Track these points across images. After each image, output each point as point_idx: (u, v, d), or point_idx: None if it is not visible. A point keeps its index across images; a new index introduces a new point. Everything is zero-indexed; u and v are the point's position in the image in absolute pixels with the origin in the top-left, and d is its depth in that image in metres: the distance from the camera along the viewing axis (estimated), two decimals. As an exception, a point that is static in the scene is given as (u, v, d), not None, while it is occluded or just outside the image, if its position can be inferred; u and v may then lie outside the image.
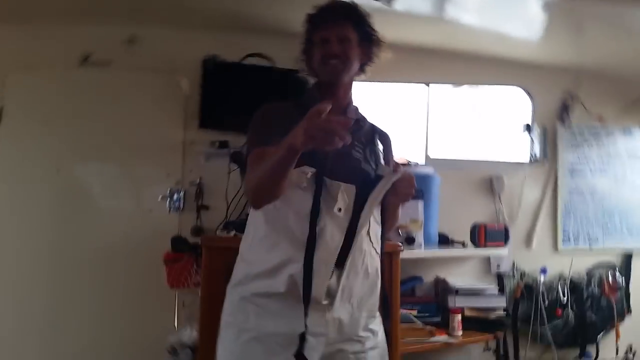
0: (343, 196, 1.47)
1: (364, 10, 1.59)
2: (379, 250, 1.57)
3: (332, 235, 1.44)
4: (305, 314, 1.38)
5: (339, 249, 1.44)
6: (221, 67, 2.87)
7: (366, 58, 1.63)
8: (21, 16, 2.74)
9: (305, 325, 1.38)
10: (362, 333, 1.52)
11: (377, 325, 1.58)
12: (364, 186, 1.50)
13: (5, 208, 2.80)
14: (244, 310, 1.48)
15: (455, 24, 2.78)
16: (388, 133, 1.72)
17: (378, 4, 2.20)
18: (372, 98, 3.08)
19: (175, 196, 2.87)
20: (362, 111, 1.67)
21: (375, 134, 1.63)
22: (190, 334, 2.23)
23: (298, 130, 1.21)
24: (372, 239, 1.53)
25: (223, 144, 2.83)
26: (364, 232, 1.49)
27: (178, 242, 2.56)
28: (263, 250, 1.48)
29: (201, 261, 2.09)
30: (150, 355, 2.42)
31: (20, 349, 2.71)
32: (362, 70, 1.64)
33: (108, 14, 2.75)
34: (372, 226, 1.52)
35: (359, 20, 1.57)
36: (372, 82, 3.10)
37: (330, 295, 1.43)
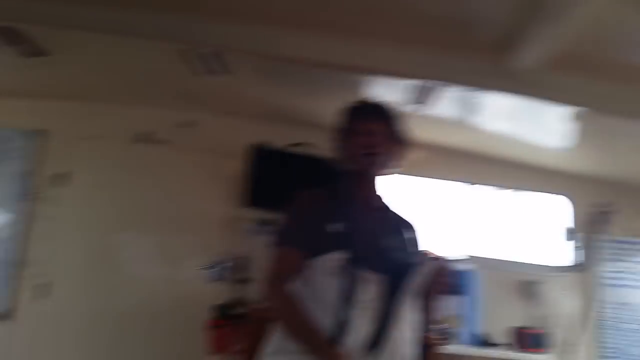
0: (372, 286, 1.45)
1: (397, 111, 1.67)
2: (416, 339, 1.52)
3: (359, 327, 1.40)
4: None
5: (367, 340, 1.41)
6: (268, 152, 3.15)
7: (397, 156, 1.67)
8: (92, 95, 3.17)
9: None
10: None
11: None
12: (396, 275, 1.47)
13: (64, 262, 3.06)
14: None
15: (487, 130, 2.93)
16: (412, 223, 1.72)
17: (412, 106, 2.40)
18: (419, 194, 3.24)
19: (217, 267, 3.05)
20: (387, 201, 1.70)
21: (400, 222, 1.65)
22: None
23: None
24: (409, 327, 1.49)
25: (266, 222, 3.04)
26: (401, 322, 1.46)
27: (224, 309, 2.72)
28: None
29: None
30: None
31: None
32: (391, 166, 1.68)
33: (169, 97, 3.12)
34: (409, 315, 1.49)
35: (394, 120, 1.65)
36: (418, 178, 3.31)
37: None
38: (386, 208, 1.66)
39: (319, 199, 1.59)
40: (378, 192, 1.67)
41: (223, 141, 3.19)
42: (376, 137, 1.59)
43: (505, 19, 1.80)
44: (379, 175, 1.64)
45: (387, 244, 1.54)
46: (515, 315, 3.10)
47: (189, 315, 2.83)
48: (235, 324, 2.64)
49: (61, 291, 3.02)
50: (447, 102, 2.50)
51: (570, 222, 3.35)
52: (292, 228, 1.55)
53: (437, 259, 1.53)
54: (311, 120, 2.93)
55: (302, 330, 1.41)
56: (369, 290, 1.42)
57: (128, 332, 2.95)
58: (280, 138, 3.18)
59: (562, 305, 3.18)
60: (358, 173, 1.62)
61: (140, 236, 3.15)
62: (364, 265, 1.43)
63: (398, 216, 1.69)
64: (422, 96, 2.36)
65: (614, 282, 3.24)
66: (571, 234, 3.31)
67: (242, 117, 3.15)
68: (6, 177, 3.18)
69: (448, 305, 2.63)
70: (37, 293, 3.00)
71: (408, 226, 1.69)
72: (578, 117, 2.47)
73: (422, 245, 1.68)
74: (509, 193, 3.47)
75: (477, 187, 3.39)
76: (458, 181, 3.40)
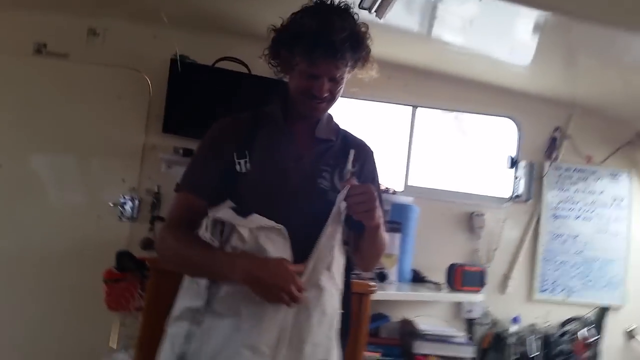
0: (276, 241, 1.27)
1: (364, 29, 1.36)
2: (340, 287, 1.36)
3: None
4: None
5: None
6: (191, 69, 2.68)
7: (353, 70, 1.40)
8: None
9: None
10: None
11: None
12: (310, 224, 1.28)
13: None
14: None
15: (445, 44, 2.67)
16: (367, 145, 1.52)
17: (369, 15, 2.02)
18: (353, 115, 2.96)
19: (128, 204, 2.64)
20: (336, 122, 1.48)
21: (350, 149, 1.39)
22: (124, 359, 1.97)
23: (243, 266, 1.17)
24: (333, 274, 1.32)
25: (187, 152, 2.59)
26: (320, 266, 1.28)
27: (124, 259, 2.27)
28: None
29: (146, 284, 1.84)
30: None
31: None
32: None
33: (68, 3, 2.60)
34: (335, 259, 1.32)
35: (358, 47, 1.34)
36: (355, 99, 3.00)
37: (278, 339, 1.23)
38: (329, 139, 1.43)
39: (234, 127, 1.39)
40: (319, 120, 1.43)
41: (135, 54, 2.71)
42: (327, 83, 1.31)
43: None
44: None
45: (323, 184, 1.36)
46: (453, 251, 3.00)
47: (94, 259, 2.38)
48: (134, 277, 2.26)
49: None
50: (401, 10, 2.16)
51: (515, 148, 3.20)
52: (193, 168, 1.38)
53: (351, 180, 1.29)
54: (245, 30, 2.51)
55: (195, 258, 1.25)
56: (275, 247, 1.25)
57: (21, 279, 2.58)
58: (205, 51, 2.70)
59: (502, 238, 3.10)
60: (302, 114, 1.39)
61: (34, 168, 2.66)
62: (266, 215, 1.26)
63: (348, 140, 1.47)
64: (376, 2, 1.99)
65: (555, 213, 3.17)
66: (515, 160, 3.16)
67: (160, 25, 2.61)
68: None
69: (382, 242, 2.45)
70: None
71: (360, 149, 1.45)
72: (543, 26, 2.23)
73: (376, 170, 1.52)
74: (452, 115, 3.28)
75: (419, 109, 3.14)
76: (400, 103, 3.13)
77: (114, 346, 2.37)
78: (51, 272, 2.55)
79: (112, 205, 2.63)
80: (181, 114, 2.66)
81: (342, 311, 1.38)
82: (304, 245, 1.26)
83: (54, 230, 2.61)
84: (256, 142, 1.36)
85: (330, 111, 1.45)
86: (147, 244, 2.51)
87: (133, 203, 2.65)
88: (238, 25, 2.63)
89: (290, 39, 1.32)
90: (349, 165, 1.33)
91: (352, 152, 1.35)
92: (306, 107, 1.36)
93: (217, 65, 2.70)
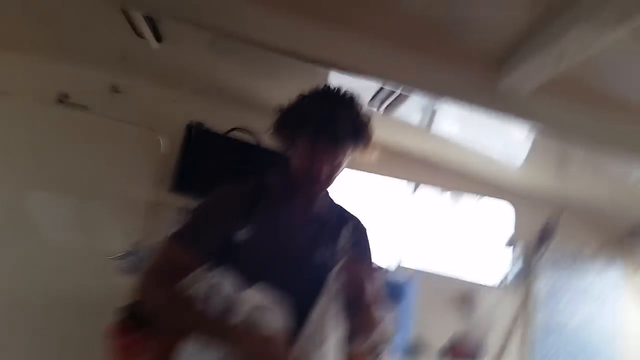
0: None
1: (367, 119, 1.45)
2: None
3: None
4: None
5: None
6: (205, 135, 2.80)
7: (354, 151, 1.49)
8: (13, 44, 2.67)
9: None
10: None
11: None
12: (305, 293, 1.33)
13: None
14: None
15: (443, 138, 2.79)
16: (361, 223, 1.56)
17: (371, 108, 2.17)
18: (351, 186, 3.02)
19: (131, 257, 2.67)
20: (332, 199, 1.55)
21: (343, 227, 1.45)
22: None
23: (240, 339, 1.21)
24: (326, 352, 1.33)
25: (194, 210, 2.69)
26: (312, 343, 1.30)
27: (134, 311, 2.30)
28: None
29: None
30: None
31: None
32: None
33: (93, 58, 2.72)
34: (327, 337, 1.33)
35: (360, 136, 1.44)
36: (356, 171, 3.09)
37: None
38: (324, 214, 1.48)
39: (236, 197, 1.42)
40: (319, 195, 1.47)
41: (154, 115, 2.82)
42: (328, 166, 1.39)
43: (505, 34, 1.60)
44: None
45: (301, 259, 1.40)
46: (448, 327, 3.05)
47: (91, 315, 2.39)
48: (144, 330, 2.29)
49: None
50: (411, 107, 2.31)
51: (511, 232, 3.32)
52: (190, 226, 1.42)
53: (355, 263, 1.35)
54: (257, 104, 2.64)
55: (189, 318, 1.28)
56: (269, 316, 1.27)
57: (15, 332, 2.53)
58: (219, 119, 2.83)
59: (496, 318, 3.15)
60: (299, 188, 1.44)
61: (44, 214, 2.69)
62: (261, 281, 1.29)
63: (343, 217, 1.51)
64: (388, 99, 2.13)
65: (547, 300, 3.27)
66: (511, 244, 3.27)
67: (180, 91, 2.77)
68: None
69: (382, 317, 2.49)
70: None
71: (355, 228, 1.49)
72: (537, 137, 2.37)
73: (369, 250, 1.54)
74: (450, 198, 3.38)
75: (419, 190, 3.27)
76: (400, 179, 3.25)
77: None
78: (48, 325, 2.56)
79: (115, 257, 2.66)
80: (190, 176, 2.76)
81: None
82: (299, 317, 1.30)
83: (57, 276, 2.63)
84: (256, 214, 1.41)
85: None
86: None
87: (136, 257, 2.69)
88: (253, 98, 2.76)
89: (295, 121, 1.41)
90: (342, 242, 1.39)
91: (345, 229, 1.42)
92: (304, 185, 1.43)
93: (230, 134, 2.83)
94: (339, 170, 1.44)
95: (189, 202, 2.66)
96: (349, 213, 1.57)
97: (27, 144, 2.71)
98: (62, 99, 2.82)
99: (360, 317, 1.39)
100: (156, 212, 2.76)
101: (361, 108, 1.46)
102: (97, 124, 2.79)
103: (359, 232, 1.54)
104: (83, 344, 2.41)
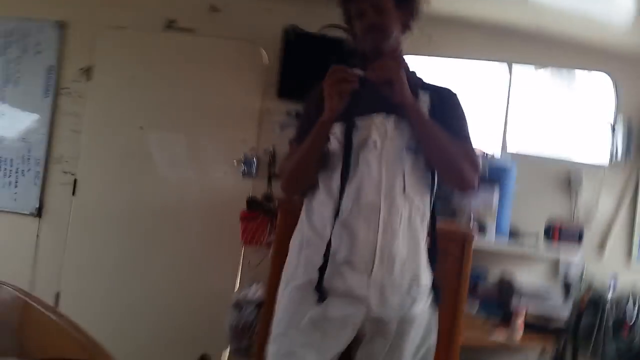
0: (377, 128, 1.47)
1: None
2: (422, 211, 1.50)
3: (368, 176, 1.44)
4: (339, 272, 1.42)
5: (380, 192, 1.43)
6: (301, 37, 2.90)
7: (407, 18, 1.58)
8: None
9: (345, 283, 1.42)
10: (405, 299, 1.47)
11: (423, 296, 1.52)
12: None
13: (91, 159, 2.98)
14: (294, 263, 1.54)
15: (541, 2, 2.65)
16: (449, 90, 1.61)
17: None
18: (449, 76, 2.99)
19: (249, 162, 2.91)
20: (419, 78, 1.61)
21: (425, 90, 1.54)
22: (255, 292, 2.27)
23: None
24: (410, 194, 1.47)
25: (299, 115, 2.84)
26: (397, 187, 1.44)
27: (254, 202, 2.67)
28: (314, 209, 1.53)
29: (275, 222, 2.12)
30: (211, 306, 2.49)
31: (92, 292, 2.87)
32: (407, 27, 1.60)
33: None
34: (407, 177, 1.46)
35: None
36: (451, 59, 3.07)
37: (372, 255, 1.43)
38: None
39: None
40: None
41: (253, 27, 2.96)
42: (373, 14, 1.50)
43: None
44: (392, 48, 1.55)
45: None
46: (550, 211, 2.99)
47: (221, 211, 2.77)
48: (265, 217, 2.60)
49: (89, 188, 2.96)
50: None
51: (613, 108, 3.11)
52: (299, 127, 1.60)
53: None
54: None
55: (301, 150, 1.50)
56: (374, 133, 1.46)
57: (158, 229, 2.91)
58: (313, 20, 2.88)
59: (600, 201, 3.08)
60: (369, 53, 1.53)
61: (169, 131, 2.99)
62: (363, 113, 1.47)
63: (424, 84, 1.58)
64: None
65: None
66: (614, 123, 3.09)
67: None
68: (29, 73, 3.02)
69: (483, 199, 2.54)
70: (65, 190, 2.94)
71: (439, 93, 1.58)
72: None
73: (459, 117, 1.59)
74: (549, 73, 3.22)
75: (516, 68, 3.12)
76: (494, 60, 3.13)
77: (241, 283, 2.70)
78: (185, 220, 2.89)
79: (235, 163, 2.91)
80: (293, 80, 2.88)
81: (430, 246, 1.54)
82: None
83: (186, 185, 2.94)
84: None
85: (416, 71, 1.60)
86: (267, 198, 2.81)
87: (253, 161, 2.92)
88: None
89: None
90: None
91: (422, 93, 1.53)
92: (367, 45, 1.54)
93: (323, 32, 2.86)
94: (389, 16, 1.52)
95: (296, 106, 2.84)
96: (436, 85, 1.62)
97: (146, 70, 2.98)
98: (170, 25, 3.02)
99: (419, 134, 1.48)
100: (267, 119, 2.96)
101: None
102: (203, 43, 2.99)
103: (444, 97, 1.59)
104: (215, 237, 2.75)
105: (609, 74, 3.12)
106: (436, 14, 2.53)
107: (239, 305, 2.23)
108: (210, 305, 2.51)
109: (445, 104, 1.56)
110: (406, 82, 1.41)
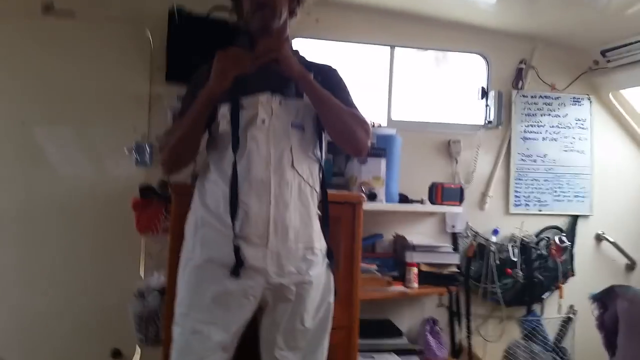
0: (264, 107, 1.54)
1: None
2: (312, 182, 1.61)
3: (257, 152, 1.51)
4: (237, 246, 1.48)
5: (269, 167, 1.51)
6: (187, 20, 2.84)
7: (294, 2, 1.66)
8: None
9: (243, 257, 1.48)
10: (301, 265, 1.57)
11: (319, 260, 1.63)
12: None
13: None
14: (191, 243, 1.59)
15: None
16: (331, 67, 1.73)
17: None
18: (336, 58, 3.09)
19: (141, 150, 2.85)
20: (302, 54, 1.70)
21: (308, 69, 1.61)
22: (157, 280, 2.27)
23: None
24: (298, 167, 1.56)
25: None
26: (285, 161, 1.53)
27: (147, 190, 2.62)
28: (206, 189, 1.59)
29: (170, 208, 2.12)
30: (117, 300, 2.46)
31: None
32: (292, 13, 1.67)
33: None
34: (295, 152, 1.56)
35: None
36: (337, 42, 3.18)
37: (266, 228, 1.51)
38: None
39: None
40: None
41: (138, 10, 2.85)
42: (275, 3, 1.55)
43: None
44: (279, 29, 1.61)
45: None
46: (434, 175, 3.27)
47: (117, 202, 2.69)
48: (159, 203, 2.58)
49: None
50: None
51: (485, 80, 3.45)
52: (184, 101, 1.67)
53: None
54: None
55: (185, 119, 1.56)
56: (262, 111, 1.53)
57: (54, 226, 2.78)
58: (200, 1, 2.83)
59: (478, 162, 3.40)
60: (257, 32, 1.59)
61: (55, 124, 2.83)
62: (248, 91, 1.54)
63: (309, 63, 1.68)
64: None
65: (524, 136, 3.48)
66: (485, 91, 3.41)
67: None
68: None
69: (372, 168, 2.71)
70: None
71: (322, 70, 1.68)
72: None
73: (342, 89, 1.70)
74: (428, 54, 3.49)
75: (394, 49, 3.33)
76: (378, 44, 3.32)
77: (144, 272, 2.68)
78: (82, 217, 2.77)
79: (127, 151, 2.83)
80: (182, 63, 2.78)
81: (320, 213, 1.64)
82: None
83: (77, 178, 2.81)
84: None
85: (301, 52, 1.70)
86: (164, 185, 2.75)
87: (146, 149, 2.85)
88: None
89: None
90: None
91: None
92: (256, 23, 1.59)
93: (211, 15, 2.84)
94: (284, 6, 1.60)
95: (185, 90, 2.81)
96: (312, 62, 1.72)
97: (22, 59, 2.79)
98: (48, 8, 2.80)
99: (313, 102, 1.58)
100: (158, 104, 2.89)
101: None
102: (85, 28, 2.83)
103: (330, 73, 1.71)
104: (110, 228, 2.71)
105: (481, 54, 3.43)
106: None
107: (141, 294, 2.22)
108: (117, 299, 2.45)
109: (328, 79, 1.66)
110: (292, 56, 1.50)
